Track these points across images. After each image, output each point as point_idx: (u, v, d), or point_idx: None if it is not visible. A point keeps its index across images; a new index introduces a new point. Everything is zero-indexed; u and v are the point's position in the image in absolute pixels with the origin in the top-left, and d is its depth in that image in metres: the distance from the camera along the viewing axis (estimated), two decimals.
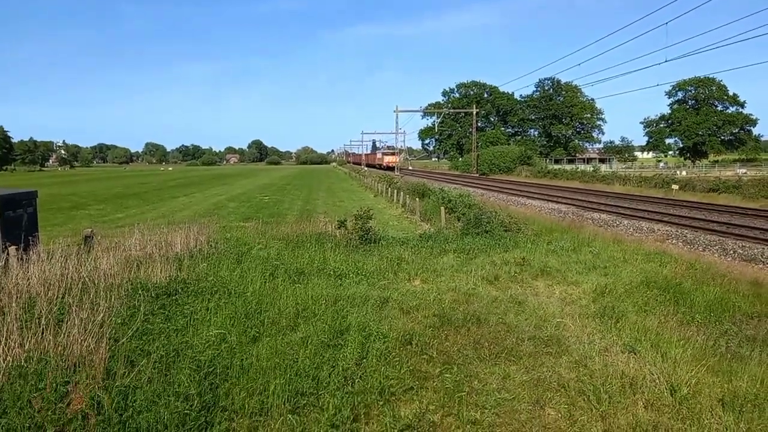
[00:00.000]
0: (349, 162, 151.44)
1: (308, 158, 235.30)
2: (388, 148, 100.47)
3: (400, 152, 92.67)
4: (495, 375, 5.46)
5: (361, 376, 5.12)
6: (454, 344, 6.29)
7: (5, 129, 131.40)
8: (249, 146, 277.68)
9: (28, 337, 5.27)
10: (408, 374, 5.31)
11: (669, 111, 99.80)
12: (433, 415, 4.64)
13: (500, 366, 5.68)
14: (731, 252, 13.96)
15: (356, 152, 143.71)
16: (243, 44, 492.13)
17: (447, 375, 5.37)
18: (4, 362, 4.84)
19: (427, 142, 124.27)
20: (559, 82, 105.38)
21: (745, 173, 53.90)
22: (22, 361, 4.94)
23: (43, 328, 5.37)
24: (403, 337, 6.23)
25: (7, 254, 8.00)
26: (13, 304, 5.85)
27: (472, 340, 6.44)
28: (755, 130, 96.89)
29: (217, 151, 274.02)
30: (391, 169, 78.78)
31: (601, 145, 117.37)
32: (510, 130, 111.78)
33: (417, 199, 22.92)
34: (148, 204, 29.78)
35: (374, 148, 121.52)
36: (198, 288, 7.81)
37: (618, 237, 14.89)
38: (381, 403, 4.74)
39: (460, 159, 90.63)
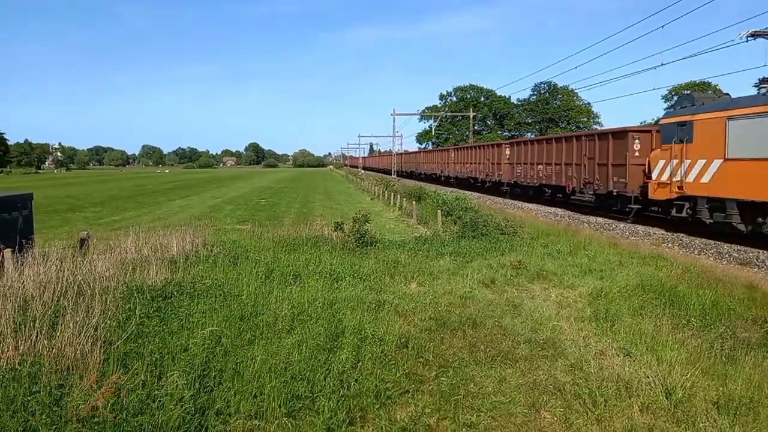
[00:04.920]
0: (346, 165, 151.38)
1: (305, 161, 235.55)
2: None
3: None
4: (491, 378, 5.46)
5: (356, 379, 5.11)
6: (450, 347, 6.29)
7: (1, 131, 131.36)
8: (246, 149, 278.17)
9: (22, 340, 5.26)
10: (404, 377, 5.30)
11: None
12: (429, 418, 4.63)
13: (496, 369, 5.68)
14: (726, 255, 14.00)
15: (353, 155, 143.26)
16: (240, 46, 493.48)
17: (443, 378, 5.37)
18: None
19: (424, 145, 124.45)
20: (555, 85, 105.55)
21: None
22: (16, 364, 4.92)
23: (37, 331, 5.36)
24: (399, 340, 6.22)
25: (2, 257, 7.98)
26: (8, 307, 5.84)
27: (468, 343, 6.45)
28: None
29: (214, 154, 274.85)
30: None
31: None
32: (507, 133, 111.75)
33: (413, 202, 22.93)
34: (144, 207, 29.71)
35: (371, 150, 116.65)
36: (193, 290, 7.80)
37: (614, 240, 14.91)
38: (377, 406, 4.73)
39: None
